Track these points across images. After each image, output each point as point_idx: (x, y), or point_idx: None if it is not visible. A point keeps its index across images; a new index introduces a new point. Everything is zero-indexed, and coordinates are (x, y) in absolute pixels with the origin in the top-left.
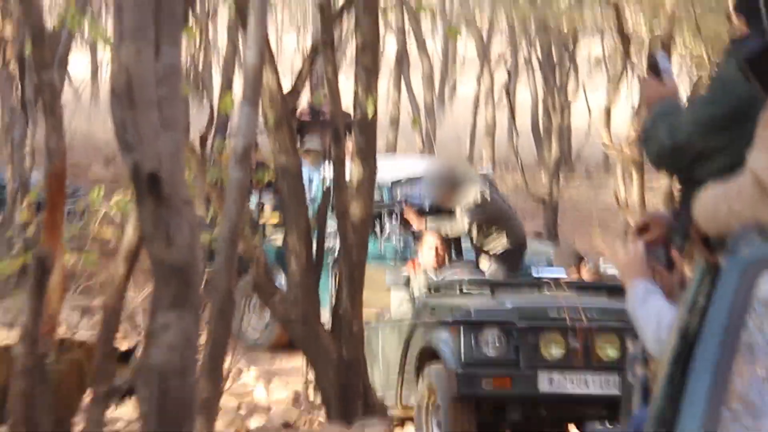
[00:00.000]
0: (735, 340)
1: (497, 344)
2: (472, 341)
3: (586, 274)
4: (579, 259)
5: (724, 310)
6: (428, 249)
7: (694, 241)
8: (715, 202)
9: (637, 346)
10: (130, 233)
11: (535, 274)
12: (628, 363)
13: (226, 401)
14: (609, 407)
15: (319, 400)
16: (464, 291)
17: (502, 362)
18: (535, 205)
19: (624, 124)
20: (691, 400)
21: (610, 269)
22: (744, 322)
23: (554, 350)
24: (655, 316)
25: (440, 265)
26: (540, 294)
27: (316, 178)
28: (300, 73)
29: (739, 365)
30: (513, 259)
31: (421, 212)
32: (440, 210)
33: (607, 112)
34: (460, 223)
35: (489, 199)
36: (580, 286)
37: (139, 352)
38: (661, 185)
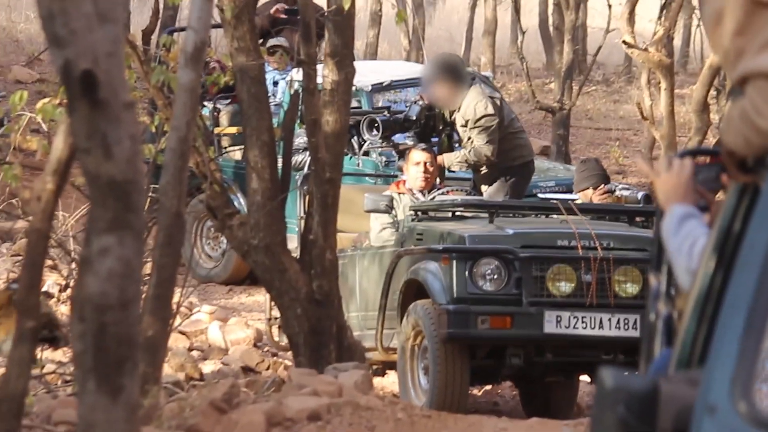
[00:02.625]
0: None
1: (495, 277)
2: (466, 273)
3: (597, 197)
4: (604, 181)
5: (763, 236)
6: (415, 166)
7: (726, 163)
8: (741, 118)
9: (661, 280)
10: (59, 144)
11: (541, 197)
12: (649, 299)
13: (176, 341)
14: (626, 351)
15: (284, 342)
16: (458, 215)
17: (501, 298)
18: (543, 117)
19: (650, 20)
20: (722, 339)
21: (625, 191)
22: None
23: (563, 285)
24: (689, 242)
25: (430, 185)
26: (547, 219)
27: (282, 82)
28: None
29: None
30: (518, 180)
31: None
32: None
33: (631, 6)
34: (484, 147)
35: (501, 106)
36: (596, 211)
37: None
38: (692, 93)
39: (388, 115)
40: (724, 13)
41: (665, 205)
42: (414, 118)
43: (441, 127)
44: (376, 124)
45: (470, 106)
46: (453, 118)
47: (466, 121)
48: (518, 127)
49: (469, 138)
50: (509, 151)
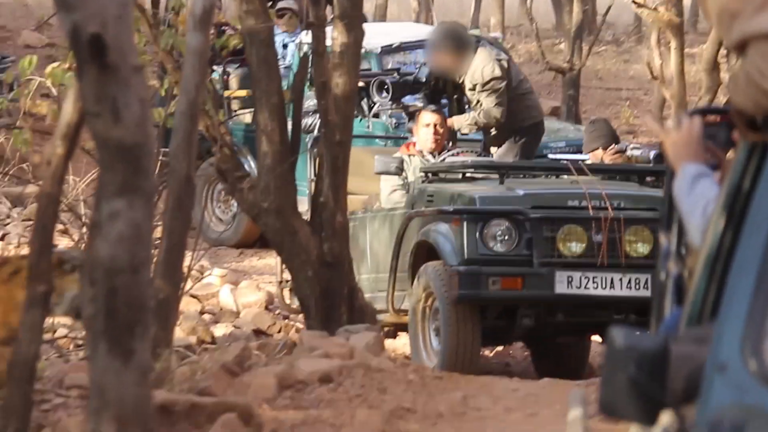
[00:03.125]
0: None
1: (506, 238)
2: (477, 234)
3: (608, 157)
4: (614, 141)
5: None
6: (425, 128)
7: (735, 121)
8: (747, 81)
9: (671, 239)
10: (68, 108)
11: (551, 157)
12: (660, 259)
13: (187, 305)
14: (638, 311)
15: (296, 304)
16: (468, 176)
17: (512, 259)
18: (553, 77)
19: None
20: (732, 298)
21: (636, 151)
22: None
23: (574, 245)
24: (702, 203)
25: (440, 147)
26: (558, 180)
27: (291, 44)
28: None
29: None
30: (528, 140)
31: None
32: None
33: None
34: (493, 110)
35: (509, 67)
36: (606, 170)
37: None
38: (702, 52)
39: (397, 76)
40: None
41: (676, 164)
42: (424, 79)
43: (451, 89)
44: (385, 86)
45: (478, 70)
46: (462, 81)
47: (474, 85)
48: (527, 88)
49: (478, 101)
50: (518, 112)
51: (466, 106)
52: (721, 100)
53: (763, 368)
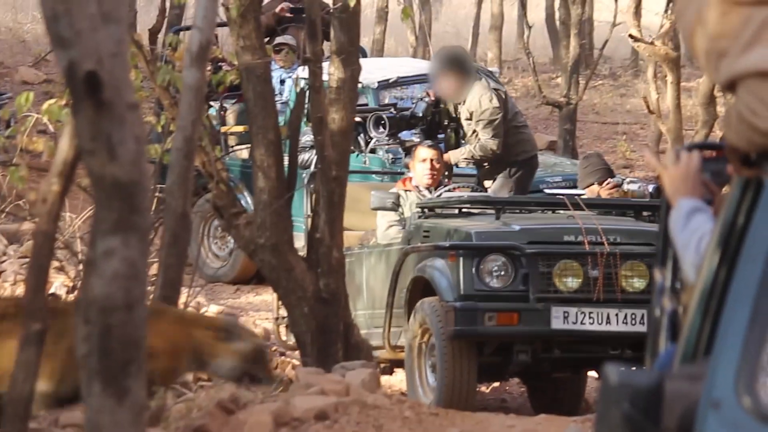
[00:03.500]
0: None
1: (502, 273)
2: (473, 270)
3: (605, 192)
4: (609, 175)
5: (767, 230)
6: (422, 163)
7: (729, 158)
8: (739, 120)
9: (666, 275)
10: (64, 145)
11: (548, 192)
12: (654, 294)
13: None
14: (633, 347)
15: (292, 341)
16: (464, 212)
17: (508, 295)
18: (549, 111)
19: (657, 14)
20: (726, 333)
21: (633, 185)
22: None
23: (570, 280)
24: (697, 238)
25: (436, 182)
26: (554, 215)
27: (288, 80)
28: None
29: None
30: (522, 174)
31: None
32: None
33: (637, 0)
34: (490, 141)
35: (506, 99)
36: (602, 205)
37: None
38: (699, 86)
39: (394, 112)
40: (703, 16)
41: (673, 199)
42: (420, 114)
43: (447, 123)
44: (382, 122)
45: (475, 99)
46: (458, 112)
47: (471, 114)
48: (522, 121)
49: (474, 132)
50: (513, 145)
51: (462, 140)
52: (717, 134)
53: (758, 405)
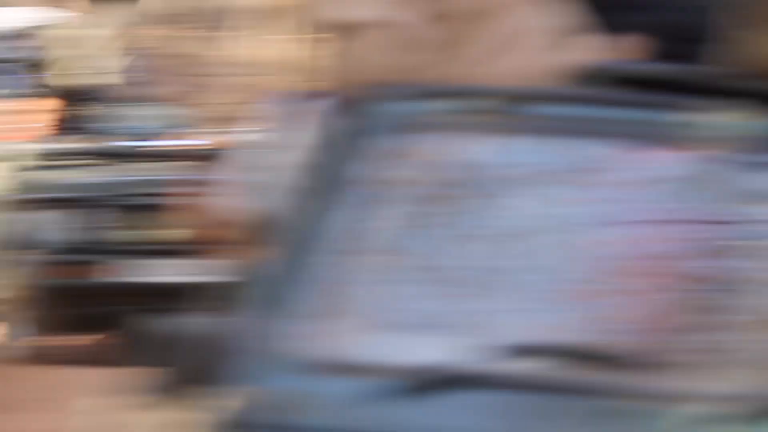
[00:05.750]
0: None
1: (58, 226)
2: (31, 223)
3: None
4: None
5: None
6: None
7: None
8: None
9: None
10: None
11: (132, 143)
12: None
13: None
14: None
15: None
16: (67, 164)
17: (61, 248)
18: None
19: None
20: (287, 286)
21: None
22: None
23: (113, 233)
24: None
25: (59, 131)
26: (123, 166)
27: None
28: None
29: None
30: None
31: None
32: None
33: None
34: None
35: None
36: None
37: None
38: None
39: None
40: None
41: None
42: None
43: None
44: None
45: None
46: None
47: None
48: None
49: None
50: None
51: None
52: None
53: (308, 355)
